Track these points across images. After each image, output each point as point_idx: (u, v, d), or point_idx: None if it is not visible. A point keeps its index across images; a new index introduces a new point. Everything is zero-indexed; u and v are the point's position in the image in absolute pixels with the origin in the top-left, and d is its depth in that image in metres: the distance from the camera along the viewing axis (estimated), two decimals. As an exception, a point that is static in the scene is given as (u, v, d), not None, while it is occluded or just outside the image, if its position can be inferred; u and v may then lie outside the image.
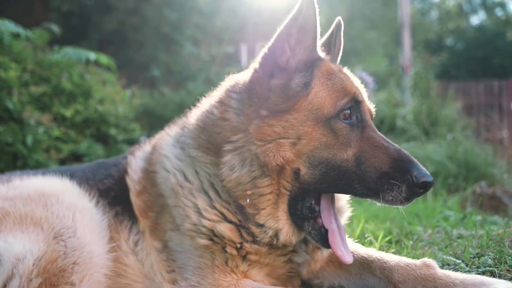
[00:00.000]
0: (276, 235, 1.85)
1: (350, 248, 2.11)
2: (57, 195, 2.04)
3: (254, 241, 1.86)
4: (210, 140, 1.94)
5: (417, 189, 1.73)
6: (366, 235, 2.67)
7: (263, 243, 1.86)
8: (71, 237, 1.90)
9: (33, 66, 5.30)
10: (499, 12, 38.60)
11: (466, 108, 14.81)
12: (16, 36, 4.86)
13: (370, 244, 2.59)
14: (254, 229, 1.85)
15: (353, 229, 2.91)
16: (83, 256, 1.88)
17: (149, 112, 8.04)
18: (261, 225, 1.84)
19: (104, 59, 5.43)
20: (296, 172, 1.80)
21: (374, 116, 2.04)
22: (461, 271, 2.03)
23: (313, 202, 1.86)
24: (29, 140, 4.72)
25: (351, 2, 18.78)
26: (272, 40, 1.88)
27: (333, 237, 1.82)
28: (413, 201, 1.79)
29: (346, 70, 2.09)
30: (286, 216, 1.85)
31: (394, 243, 2.66)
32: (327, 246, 1.82)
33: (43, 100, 5.26)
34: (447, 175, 5.62)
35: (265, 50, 1.92)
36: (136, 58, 14.20)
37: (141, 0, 14.41)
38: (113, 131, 5.89)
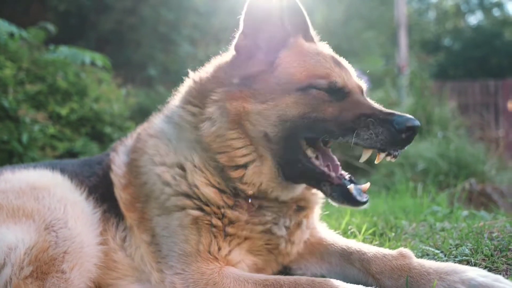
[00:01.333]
0: (260, 185, 1.96)
1: (331, 240, 2.20)
2: (48, 188, 2.10)
3: (238, 205, 1.97)
4: (196, 95, 2.09)
5: (398, 133, 1.76)
6: (349, 227, 2.74)
7: (248, 196, 1.97)
8: (62, 228, 1.96)
9: (28, 65, 5.36)
10: (496, 12, 38.70)
11: (462, 107, 14.88)
12: (11, 35, 4.92)
13: (354, 236, 2.66)
14: (241, 186, 1.97)
15: (340, 222, 2.98)
16: (74, 246, 1.93)
17: (144, 111, 8.07)
18: (245, 182, 1.96)
19: (99, 59, 5.49)
20: (266, 134, 1.92)
21: (365, 90, 2.11)
22: (440, 260, 2.10)
23: (314, 157, 1.93)
24: (25, 138, 4.77)
25: (348, 2, 18.80)
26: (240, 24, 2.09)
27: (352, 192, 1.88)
28: (398, 148, 1.81)
29: (326, 49, 2.17)
30: (271, 172, 1.95)
31: (378, 236, 2.73)
32: (353, 202, 1.88)
33: (38, 98, 5.31)
34: (438, 172, 5.70)
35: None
36: (133, 58, 14.22)
37: (139, 0, 14.45)
38: (108, 130, 5.95)
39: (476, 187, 5.15)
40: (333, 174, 1.93)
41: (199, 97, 2.08)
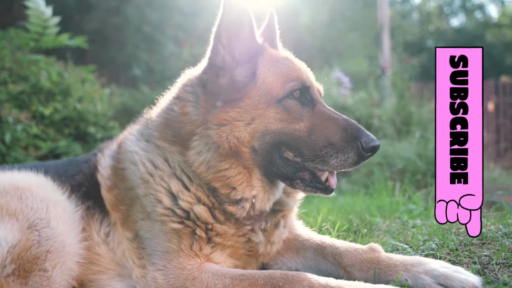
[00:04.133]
0: (252, 205, 2.04)
1: (307, 236, 2.30)
2: (31, 189, 2.14)
3: (228, 219, 2.04)
4: (175, 134, 2.09)
5: (365, 153, 1.93)
6: (323, 224, 2.84)
7: (240, 218, 2.03)
8: (45, 227, 2.01)
9: (11, 65, 5.35)
10: (478, 14, 39.38)
11: (443, 108, 15.09)
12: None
13: (329, 233, 2.76)
14: (230, 208, 2.03)
15: (317, 220, 3.09)
16: (56, 245, 1.99)
17: (128, 111, 8.13)
18: (238, 200, 2.02)
19: (65, 39, 5.45)
20: (253, 148, 1.99)
21: (322, 94, 2.23)
22: (408, 255, 2.21)
23: (291, 156, 2.02)
24: (7, 137, 4.78)
25: (332, 4, 19.00)
26: (211, 42, 2.06)
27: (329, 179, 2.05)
28: (361, 164, 1.98)
29: (290, 55, 2.26)
30: (260, 183, 2.05)
31: (352, 232, 2.84)
32: (330, 190, 2.05)
33: (21, 98, 5.31)
34: (416, 171, 5.85)
35: (208, 52, 2.10)
36: (117, 58, 14.19)
37: (123, 0, 14.42)
38: (92, 129, 5.95)
39: (451, 186, 5.29)
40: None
41: (176, 134, 2.09)
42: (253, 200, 2.04)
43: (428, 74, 29.35)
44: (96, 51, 13.92)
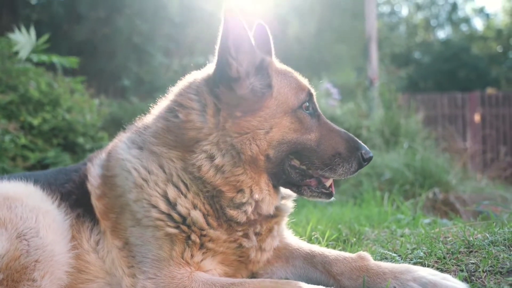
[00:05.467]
0: (256, 208, 2.10)
1: (296, 245, 2.33)
2: (21, 199, 2.13)
3: (220, 225, 2.07)
4: (177, 140, 2.12)
5: (363, 162, 2.14)
6: (313, 233, 2.86)
7: (241, 222, 2.08)
8: (34, 237, 2.00)
9: (0, 74, 5.34)
10: (464, 27, 40.14)
11: (431, 119, 15.32)
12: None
13: (319, 243, 2.78)
14: (231, 212, 2.06)
15: (306, 230, 3.10)
16: (45, 254, 1.98)
17: (117, 121, 8.09)
18: (241, 204, 2.06)
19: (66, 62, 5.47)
20: (267, 156, 2.07)
21: (314, 95, 2.31)
22: (396, 263, 2.23)
23: (298, 164, 2.14)
24: (-5, 148, 4.76)
25: (320, 15, 19.20)
26: (216, 57, 2.10)
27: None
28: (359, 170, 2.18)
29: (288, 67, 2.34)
30: (267, 187, 2.12)
31: (341, 242, 2.86)
32: (332, 195, 2.24)
33: (10, 108, 5.29)
34: (404, 182, 5.91)
35: (214, 67, 2.14)
36: (106, 68, 14.17)
37: (113, 10, 14.43)
38: (80, 140, 5.94)
39: (439, 196, 5.37)
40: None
41: (178, 139, 2.11)
42: (258, 201, 2.10)
43: (415, 86, 29.75)
44: (85, 62, 13.87)
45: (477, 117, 16.49)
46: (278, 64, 2.30)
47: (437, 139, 9.15)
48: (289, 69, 2.31)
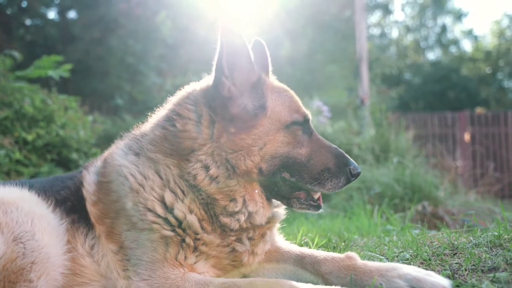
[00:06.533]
0: (249, 218, 2.17)
1: (287, 248, 2.40)
2: (16, 203, 2.18)
3: (214, 230, 2.14)
4: (173, 148, 2.20)
5: (351, 177, 2.22)
6: (303, 238, 2.92)
7: (234, 229, 2.15)
8: (30, 239, 2.05)
9: (-5, 91, 5.41)
10: (453, 49, 40.88)
11: (422, 137, 15.48)
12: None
13: (309, 247, 2.84)
14: (225, 219, 2.14)
15: (297, 237, 3.16)
16: (41, 256, 2.03)
17: (110, 138, 8.08)
18: (234, 213, 2.14)
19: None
20: (260, 169, 2.14)
21: (311, 119, 2.39)
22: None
23: (288, 176, 2.20)
24: (-11, 162, 4.79)
25: (312, 36, 19.54)
26: (213, 76, 2.20)
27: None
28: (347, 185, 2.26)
29: (284, 85, 2.42)
30: (261, 200, 2.20)
31: (330, 248, 2.92)
32: (320, 207, 2.29)
33: (4, 124, 5.35)
34: (394, 196, 6.00)
35: (210, 86, 2.23)
36: (100, 88, 14.27)
37: (106, 31, 14.62)
38: (74, 156, 5.99)
39: (428, 209, 5.46)
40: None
41: (174, 148, 2.19)
42: (252, 213, 2.17)
43: (406, 106, 30.09)
44: (79, 81, 14.00)
45: (467, 137, 16.71)
46: (275, 82, 2.39)
47: (427, 156, 9.28)
48: (285, 87, 2.38)
